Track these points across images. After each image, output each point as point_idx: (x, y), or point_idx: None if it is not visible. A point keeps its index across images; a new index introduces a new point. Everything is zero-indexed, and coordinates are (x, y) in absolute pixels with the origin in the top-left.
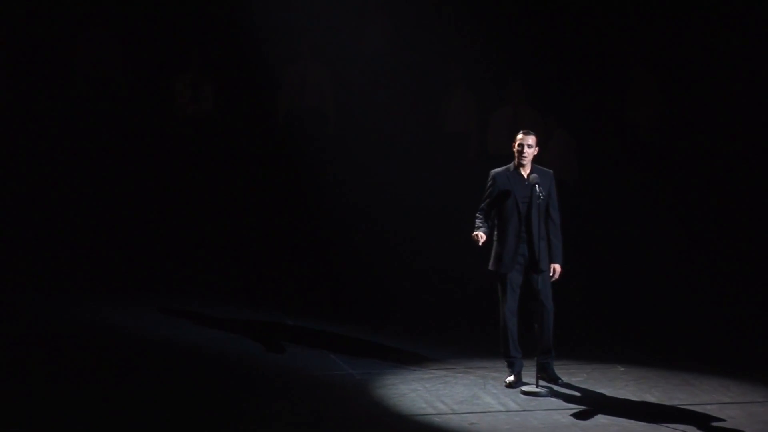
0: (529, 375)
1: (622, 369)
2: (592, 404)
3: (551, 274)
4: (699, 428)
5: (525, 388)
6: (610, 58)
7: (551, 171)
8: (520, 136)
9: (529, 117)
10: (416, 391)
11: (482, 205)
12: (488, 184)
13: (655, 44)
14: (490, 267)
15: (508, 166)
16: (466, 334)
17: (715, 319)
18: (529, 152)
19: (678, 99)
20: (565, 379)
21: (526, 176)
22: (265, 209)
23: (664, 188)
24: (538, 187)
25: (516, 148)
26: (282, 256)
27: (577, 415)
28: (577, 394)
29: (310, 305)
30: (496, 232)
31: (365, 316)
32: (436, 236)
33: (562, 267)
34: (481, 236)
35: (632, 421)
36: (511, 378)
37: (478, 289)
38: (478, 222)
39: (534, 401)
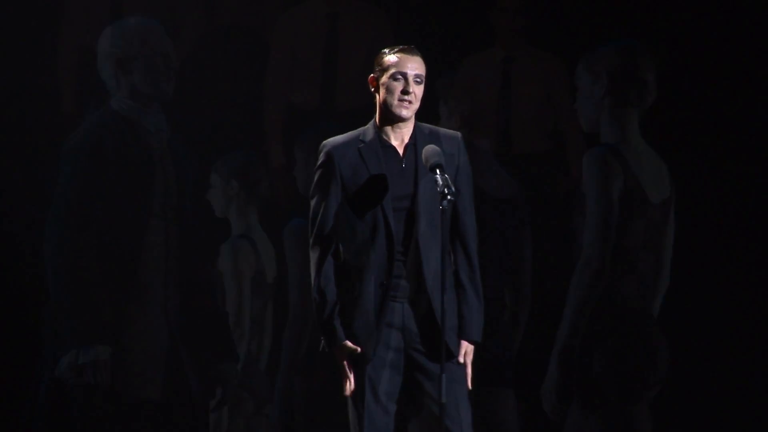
0: None
1: None
2: None
3: (464, 363)
4: None
5: None
6: None
7: (458, 134)
8: (392, 58)
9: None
10: None
11: (315, 230)
12: (319, 174)
13: None
14: (328, 346)
15: (362, 129)
16: None
17: None
18: (419, 93)
19: None
20: None
21: (402, 150)
22: None
23: None
24: (441, 176)
25: (383, 82)
26: None
27: None
28: None
29: None
30: (333, 277)
31: None
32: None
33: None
34: (348, 351)
35: None
36: None
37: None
38: (326, 307)
39: None
